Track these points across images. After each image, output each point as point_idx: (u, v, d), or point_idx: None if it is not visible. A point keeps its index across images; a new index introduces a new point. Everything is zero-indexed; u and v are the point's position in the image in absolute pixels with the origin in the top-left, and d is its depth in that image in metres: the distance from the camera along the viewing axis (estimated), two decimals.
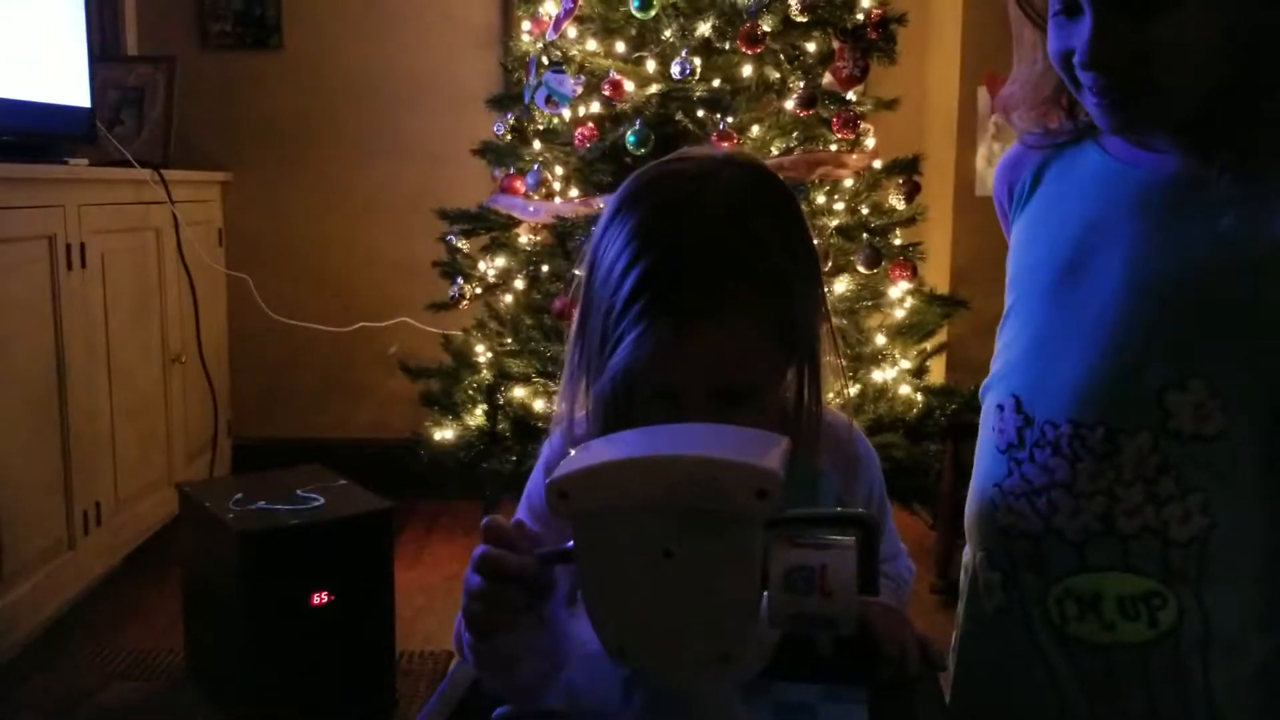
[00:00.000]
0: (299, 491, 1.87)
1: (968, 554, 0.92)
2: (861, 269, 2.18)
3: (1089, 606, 0.81)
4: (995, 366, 0.90)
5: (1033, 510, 0.83)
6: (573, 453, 0.62)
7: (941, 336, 2.45)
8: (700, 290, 0.75)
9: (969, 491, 0.91)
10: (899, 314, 2.29)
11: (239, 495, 1.85)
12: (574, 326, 0.85)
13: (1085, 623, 0.81)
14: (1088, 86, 0.78)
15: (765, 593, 0.59)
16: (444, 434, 2.36)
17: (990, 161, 2.72)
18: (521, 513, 0.89)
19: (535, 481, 0.91)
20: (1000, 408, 0.87)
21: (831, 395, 0.90)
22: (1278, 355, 0.76)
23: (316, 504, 1.83)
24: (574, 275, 2.19)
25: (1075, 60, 0.76)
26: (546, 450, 0.91)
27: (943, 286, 2.62)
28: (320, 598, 1.78)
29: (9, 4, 2.20)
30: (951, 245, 2.78)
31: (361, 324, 2.94)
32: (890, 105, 2.39)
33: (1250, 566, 0.78)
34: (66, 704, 1.88)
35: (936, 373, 2.50)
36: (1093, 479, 0.80)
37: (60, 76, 2.35)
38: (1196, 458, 0.77)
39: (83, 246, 2.19)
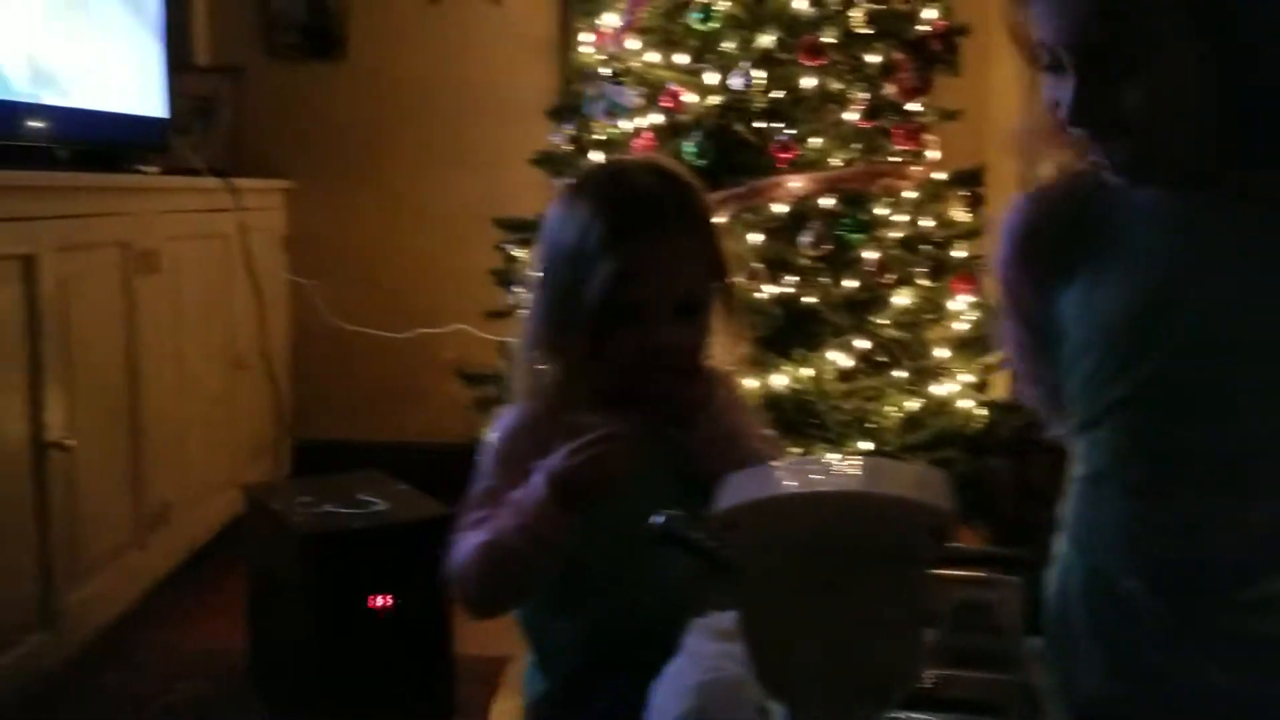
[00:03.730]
0: (360, 496, 1.90)
1: (1067, 577, 0.88)
2: (924, 282, 2.15)
3: (1267, 609, 0.80)
4: (1094, 413, 0.86)
5: (1189, 542, 0.81)
6: (736, 480, 0.61)
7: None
8: (654, 222, 1.03)
9: (1085, 524, 0.87)
10: (961, 327, 2.26)
11: (304, 498, 1.88)
12: (534, 301, 1.08)
13: (1267, 620, 0.80)
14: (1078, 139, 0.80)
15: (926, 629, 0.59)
16: None
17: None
18: (481, 486, 1.06)
19: (491, 455, 1.07)
20: (1130, 456, 0.84)
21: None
22: None
23: (378, 508, 1.85)
24: None
25: (1061, 116, 0.78)
26: (505, 422, 1.08)
27: None
28: (381, 601, 1.80)
29: (88, 19, 2.26)
30: None
31: (419, 330, 2.98)
32: (953, 116, 2.36)
33: None
34: (134, 702, 1.92)
35: (998, 387, 2.46)
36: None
37: (137, 87, 2.42)
38: None
39: (155, 253, 2.25)
